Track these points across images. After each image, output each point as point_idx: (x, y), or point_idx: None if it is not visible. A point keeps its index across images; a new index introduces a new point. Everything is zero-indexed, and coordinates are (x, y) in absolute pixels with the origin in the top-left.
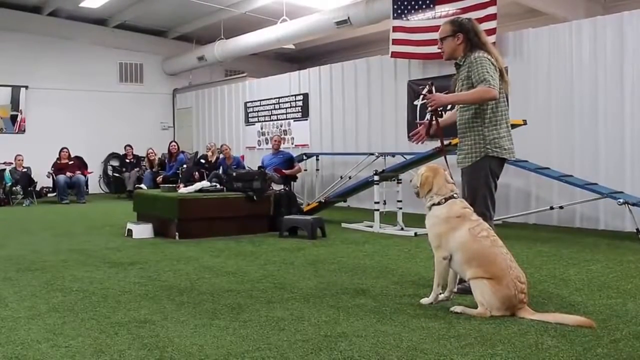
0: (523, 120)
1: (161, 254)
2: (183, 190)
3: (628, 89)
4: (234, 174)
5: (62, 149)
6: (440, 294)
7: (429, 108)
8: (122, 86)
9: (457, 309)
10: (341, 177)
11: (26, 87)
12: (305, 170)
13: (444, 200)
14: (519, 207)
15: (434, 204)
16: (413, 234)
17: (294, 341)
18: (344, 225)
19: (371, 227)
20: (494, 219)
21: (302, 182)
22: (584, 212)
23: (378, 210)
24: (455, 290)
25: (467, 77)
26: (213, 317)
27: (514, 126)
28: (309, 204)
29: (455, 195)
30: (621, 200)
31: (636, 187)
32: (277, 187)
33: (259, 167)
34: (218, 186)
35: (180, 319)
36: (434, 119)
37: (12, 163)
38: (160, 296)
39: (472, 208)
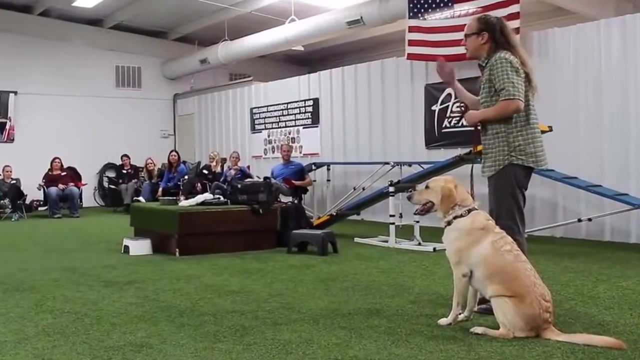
0: (549, 127)
1: (160, 272)
2: (184, 203)
3: None
4: (239, 185)
5: (54, 159)
6: (460, 313)
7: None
8: (119, 91)
9: (478, 329)
10: (354, 188)
11: (15, 92)
12: (315, 180)
13: (466, 212)
14: (545, 220)
15: (456, 217)
16: (431, 249)
17: None
18: (357, 240)
19: (386, 241)
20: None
21: (312, 194)
22: (614, 225)
23: (394, 223)
24: (476, 309)
25: (489, 80)
26: (215, 340)
27: None
28: (319, 217)
29: (476, 206)
30: None
31: None
32: (285, 199)
33: (265, 178)
34: (221, 198)
35: (180, 342)
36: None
37: None
38: (158, 318)
39: (493, 220)
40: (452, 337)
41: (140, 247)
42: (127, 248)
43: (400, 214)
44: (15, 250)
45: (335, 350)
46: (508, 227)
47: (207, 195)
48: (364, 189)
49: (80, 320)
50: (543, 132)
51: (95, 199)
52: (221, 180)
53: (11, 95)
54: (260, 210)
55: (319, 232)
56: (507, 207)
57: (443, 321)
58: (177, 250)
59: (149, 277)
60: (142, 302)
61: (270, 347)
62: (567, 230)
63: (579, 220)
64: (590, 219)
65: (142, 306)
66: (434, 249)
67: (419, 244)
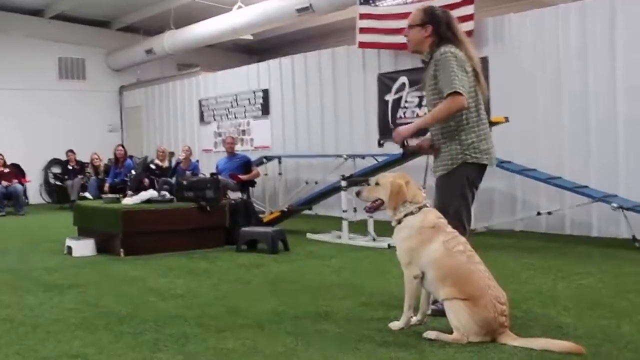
0: (505, 117)
1: (103, 275)
2: (127, 200)
3: (621, 80)
4: (185, 182)
5: None
6: (412, 317)
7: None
8: (63, 83)
9: (431, 334)
10: (306, 182)
11: None
12: (266, 174)
13: (417, 210)
14: (504, 213)
15: (406, 214)
16: (386, 246)
17: None
18: (309, 236)
19: (340, 237)
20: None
21: (263, 188)
22: (575, 218)
23: (346, 219)
24: (429, 312)
25: (434, 76)
26: (154, 350)
27: (494, 124)
28: (271, 212)
29: (427, 204)
30: (615, 205)
31: (631, 189)
32: (233, 196)
33: (212, 174)
34: (167, 196)
35: (118, 352)
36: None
37: None
38: (97, 325)
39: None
40: (404, 343)
41: (83, 247)
42: (70, 249)
43: (355, 208)
44: None
45: (280, 359)
46: (454, 227)
47: (152, 193)
48: (316, 182)
49: (14, 329)
50: (499, 123)
51: (41, 196)
52: (169, 174)
53: None
54: (208, 207)
55: (269, 229)
56: (456, 206)
57: (395, 325)
58: (121, 250)
59: (91, 280)
60: (81, 307)
61: (211, 356)
62: (527, 224)
63: (538, 214)
64: (550, 212)
65: (81, 312)
66: (389, 245)
67: (374, 240)
